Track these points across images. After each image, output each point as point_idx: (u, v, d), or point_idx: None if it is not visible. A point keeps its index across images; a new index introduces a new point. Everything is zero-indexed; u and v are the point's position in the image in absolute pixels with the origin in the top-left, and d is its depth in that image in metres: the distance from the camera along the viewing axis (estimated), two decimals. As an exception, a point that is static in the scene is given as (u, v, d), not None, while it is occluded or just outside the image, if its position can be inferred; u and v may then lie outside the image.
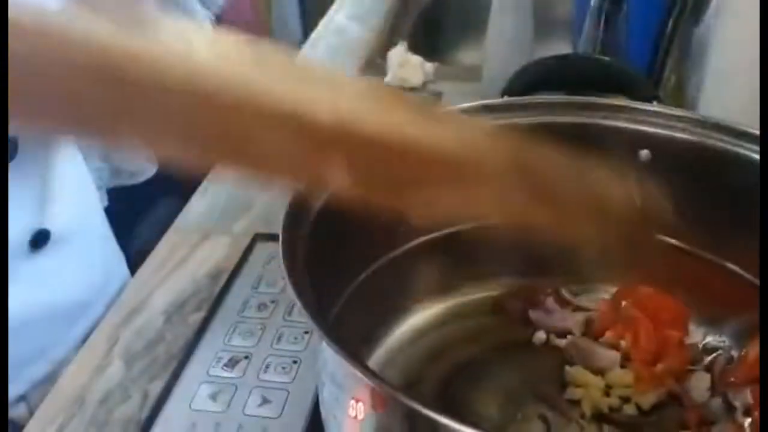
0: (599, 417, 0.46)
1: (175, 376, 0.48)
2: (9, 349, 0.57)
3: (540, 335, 0.52)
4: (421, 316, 0.53)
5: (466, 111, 0.52)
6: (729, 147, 0.49)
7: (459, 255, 0.54)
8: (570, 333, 0.52)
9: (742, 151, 0.49)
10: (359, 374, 0.34)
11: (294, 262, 0.39)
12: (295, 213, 0.43)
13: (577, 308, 0.53)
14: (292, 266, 0.39)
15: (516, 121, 0.53)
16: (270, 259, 0.58)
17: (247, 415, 0.45)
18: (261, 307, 0.54)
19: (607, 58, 0.61)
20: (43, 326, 0.65)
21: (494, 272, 0.55)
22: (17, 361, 0.61)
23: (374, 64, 1.06)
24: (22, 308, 0.61)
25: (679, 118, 0.51)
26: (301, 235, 0.42)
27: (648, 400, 0.46)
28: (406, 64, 0.95)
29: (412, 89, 0.94)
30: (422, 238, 0.52)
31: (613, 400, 0.47)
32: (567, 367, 0.49)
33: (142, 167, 1.37)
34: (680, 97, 0.69)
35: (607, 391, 0.47)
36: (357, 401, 0.36)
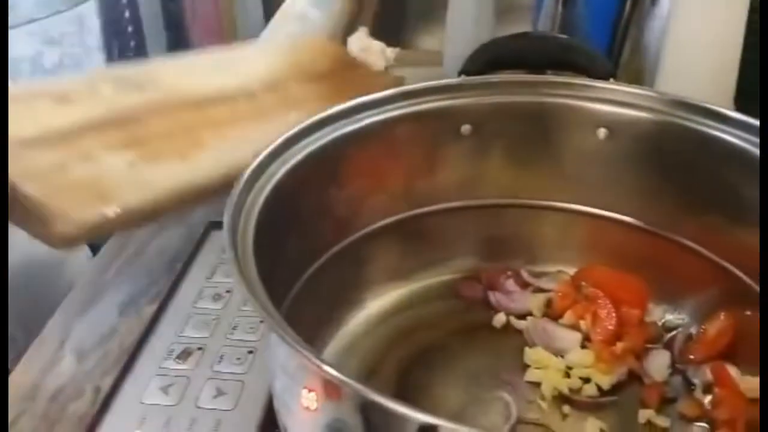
0: (560, 398, 0.46)
1: (126, 369, 0.47)
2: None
3: (500, 318, 0.51)
4: (378, 303, 0.52)
5: (423, 91, 0.51)
6: (687, 123, 0.49)
7: (415, 240, 0.53)
8: (530, 314, 0.51)
9: (700, 127, 0.48)
10: (308, 364, 0.33)
11: (242, 252, 0.38)
12: (242, 203, 0.41)
13: (537, 289, 0.53)
14: (239, 256, 0.38)
15: (473, 101, 0.52)
16: (225, 249, 0.57)
17: (200, 408, 0.44)
18: (216, 297, 0.52)
19: (564, 36, 0.61)
20: (41, 274, 0.65)
21: (452, 256, 0.54)
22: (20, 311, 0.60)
23: (336, 49, 1.05)
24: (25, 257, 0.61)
25: (636, 95, 0.50)
26: (248, 225, 0.40)
27: (608, 379, 0.46)
28: (367, 50, 0.94)
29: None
30: (376, 225, 0.51)
31: (574, 381, 0.46)
32: (527, 349, 0.48)
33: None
34: (640, 77, 0.69)
35: (568, 371, 0.47)
36: (309, 391, 0.35)
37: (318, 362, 0.32)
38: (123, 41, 1.42)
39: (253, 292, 0.35)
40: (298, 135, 0.46)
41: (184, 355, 0.47)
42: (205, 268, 0.55)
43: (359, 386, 0.31)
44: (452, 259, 0.54)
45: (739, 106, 0.52)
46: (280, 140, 0.45)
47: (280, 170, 0.44)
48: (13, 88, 0.52)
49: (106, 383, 0.48)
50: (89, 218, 0.46)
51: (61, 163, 0.48)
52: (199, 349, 0.48)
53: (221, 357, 0.47)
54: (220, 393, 0.45)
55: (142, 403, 0.44)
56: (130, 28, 1.43)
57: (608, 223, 0.53)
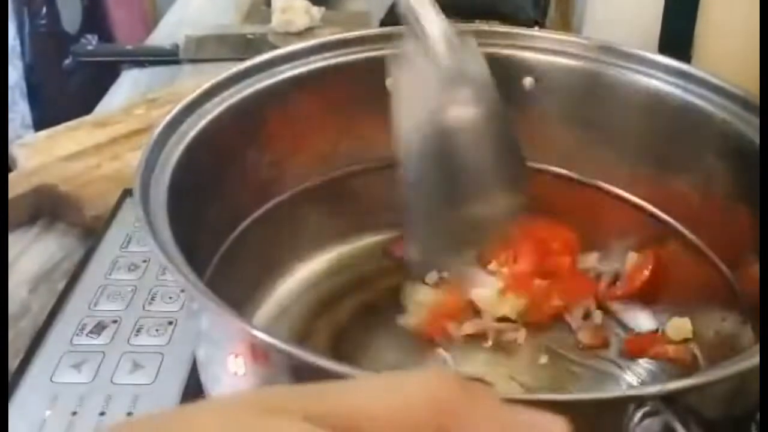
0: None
1: (34, 347, 0.43)
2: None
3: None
4: (308, 268, 0.50)
5: (343, 42, 0.49)
6: (615, 70, 0.48)
7: (341, 202, 0.51)
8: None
9: (628, 73, 0.47)
10: (233, 326, 0.31)
11: (155, 214, 0.35)
12: (154, 162, 0.38)
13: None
14: (152, 217, 0.35)
15: (396, 52, 0.50)
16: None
17: (116, 383, 0.41)
18: (131, 267, 0.49)
19: (490, -15, 0.59)
20: None
21: (381, 216, 0.52)
22: None
23: (258, 11, 1.01)
24: None
25: (563, 42, 0.49)
26: (161, 186, 0.37)
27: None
28: (289, 9, 0.91)
29: (298, 34, 0.90)
30: (301, 186, 0.49)
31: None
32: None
33: (17, 132, 1.28)
34: (567, 25, 0.68)
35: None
36: (236, 356, 0.33)
37: (244, 324, 0.30)
38: (34, 9, 1.34)
39: (167, 254, 0.32)
40: (213, 89, 0.43)
41: (98, 329, 0.44)
42: (120, 238, 0.52)
43: (288, 347, 0.29)
44: (381, 219, 0.52)
45: (663, 53, 0.51)
46: (193, 95, 0.42)
47: (194, 127, 0.41)
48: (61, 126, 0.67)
49: (16, 365, 0.45)
50: (113, 200, 0.56)
51: (93, 165, 0.61)
52: (114, 322, 0.45)
53: (138, 329, 0.44)
54: (137, 367, 0.42)
55: (53, 381, 0.41)
56: (41, -6, 1.35)
57: (537, 174, 0.51)
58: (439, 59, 0.35)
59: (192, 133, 0.41)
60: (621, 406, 0.27)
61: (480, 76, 0.36)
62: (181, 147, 0.40)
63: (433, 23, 0.35)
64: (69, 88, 1.38)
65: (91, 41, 1.44)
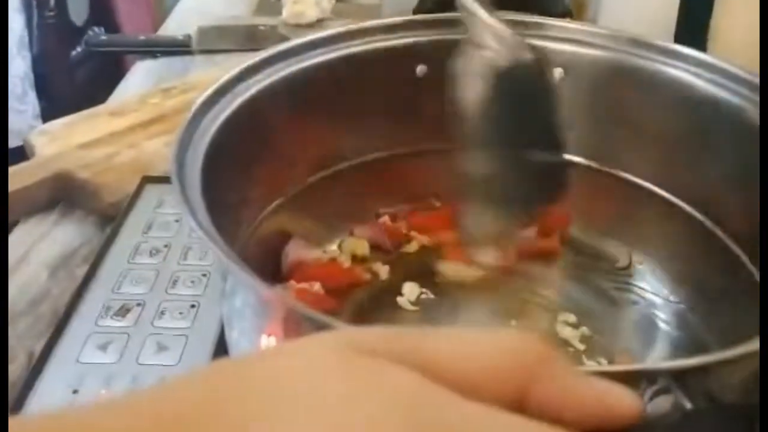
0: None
1: (60, 329, 0.43)
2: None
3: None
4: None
5: (370, 29, 0.49)
6: (641, 61, 0.48)
7: (371, 183, 0.51)
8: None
9: (652, 63, 0.47)
10: (270, 297, 0.31)
11: (190, 189, 0.35)
12: (186, 147, 0.38)
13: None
14: (189, 200, 0.35)
15: (424, 40, 0.50)
16: (160, 203, 0.54)
17: (142, 364, 0.41)
18: (153, 252, 0.49)
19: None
20: None
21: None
22: None
23: (268, 3, 1.01)
24: None
25: (590, 34, 0.49)
26: (195, 169, 0.37)
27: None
28: (300, 1, 0.91)
29: (309, 25, 0.90)
30: (330, 170, 0.49)
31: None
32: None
33: (29, 123, 1.27)
34: (582, 15, 0.68)
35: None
36: (269, 335, 0.33)
37: (281, 294, 0.30)
38: (42, 0, 1.33)
39: (208, 233, 0.32)
40: (243, 74, 0.44)
41: (123, 311, 0.44)
42: (141, 224, 0.52)
43: (325, 317, 0.29)
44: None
45: (679, 43, 0.51)
46: (225, 78, 0.42)
47: (226, 109, 0.41)
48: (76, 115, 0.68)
49: (40, 347, 0.45)
50: (131, 187, 0.56)
51: (110, 153, 0.62)
52: (138, 305, 0.45)
53: (162, 312, 0.44)
54: (162, 348, 0.42)
55: (80, 362, 0.41)
56: (48, -13, 1.35)
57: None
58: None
59: (224, 116, 0.41)
60: (632, 381, 0.26)
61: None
62: (213, 129, 0.40)
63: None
64: (76, 79, 1.38)
65: (98, 33, 1.44)
